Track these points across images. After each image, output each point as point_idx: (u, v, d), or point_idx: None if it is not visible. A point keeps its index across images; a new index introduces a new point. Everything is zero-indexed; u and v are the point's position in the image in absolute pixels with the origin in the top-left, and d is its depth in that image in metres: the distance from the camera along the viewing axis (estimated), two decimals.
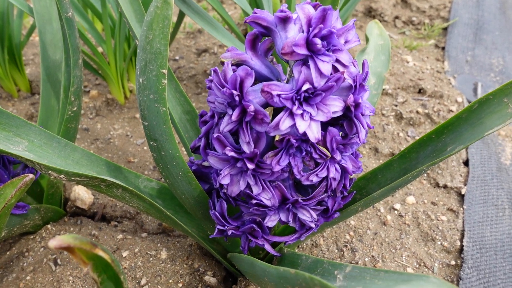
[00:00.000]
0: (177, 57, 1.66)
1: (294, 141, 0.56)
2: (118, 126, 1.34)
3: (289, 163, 0.59)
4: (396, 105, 1.32)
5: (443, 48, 1.85)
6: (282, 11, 0.60)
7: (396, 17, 2.03)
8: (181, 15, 1.33)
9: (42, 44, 1.10)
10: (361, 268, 0.52)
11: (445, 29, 1.97)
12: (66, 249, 0.38)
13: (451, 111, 1.34)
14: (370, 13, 2.06)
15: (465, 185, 1.12)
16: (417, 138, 1.24)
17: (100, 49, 1.68)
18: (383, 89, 1.39)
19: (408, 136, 1.24)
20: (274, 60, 0.78)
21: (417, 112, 1.31)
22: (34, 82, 1.60)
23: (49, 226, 1.00)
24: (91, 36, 1.60)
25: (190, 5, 1.00)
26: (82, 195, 1.07)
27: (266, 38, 0.68)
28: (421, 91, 1.41)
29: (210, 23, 1.05)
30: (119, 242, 0.96)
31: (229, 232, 0.68)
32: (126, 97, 1.45)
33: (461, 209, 1.06)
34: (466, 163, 1.20)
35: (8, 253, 0.98)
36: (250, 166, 0.59)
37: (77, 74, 0.90)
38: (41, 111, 1.08)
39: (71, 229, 1.00)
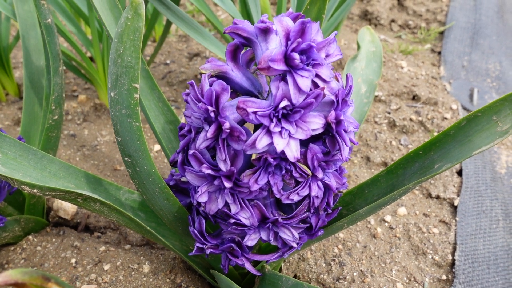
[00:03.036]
0: (168, 61, 1.63)
1: (272, 160, 0.53)
2: (105, 132, 1.32)
3: (268, 181, 0.56)
4: (389, 112, 1.30)
5: (439, 53, 1.82)
6: (262, 21, 0.57)
7: (392, 21, 2.00)
8: None
9: (26, 49, 1.07)
10: None
11: (442, 33, 1.95)
12: (15, 285, 0.36)
13: (446, 118, 1.31)
14: (366, 17, 2.03)
15: (458, 195, 1.10)
16: (410, 146, 1.21)
17: (88, 54, 1.65)
18: (376, 96, 1.36)
19: (401, 144, 1.22)
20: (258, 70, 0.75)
21: (411, 119, 1.28)
22: (23, 86, 1.57)
23: (30, 237, 0.98)
24: (79, 40, 1.58)
25: (174, 11, 0.97)
26: (65, 204, 1.04)
27: (248, 48, 0.65)
28: (415, 98, 1.38)
29: (195, 29, 1.02)
30: (101, 255, 0.93)
31: (208, 251, 0.65)
32: None
33: (454, 221, 1.03)
34: (459, 173, 1.18)
35: None
36: (227, 184, 0.56)
37: (57, 82, 0.88)
38: (24, 118, 1.06)
39: (53, 240, 0.98)
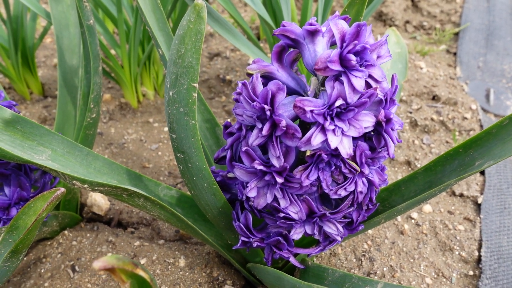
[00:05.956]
0: None
1: (326, 156, 0.56)
2: (131, 131, 1.34)
3: (318, 177, 0.59)
4: (410, 112, 1.32)
5: (454, 54, 1.84)
6: (311, 24, 0.60)
7: (407, 22, 2.02)
8: None
9: (60, 49, 1.10)
10: (394, 285, 0.51)
11: (456, 34, 1.97)
12: (109, 270, 0.38)
13: (466, 118, 1.33)
14: (381, 17, 2.05)
15: (481, 194, 1.12)
16: (432, 146, 1.23)
17: (112, 52, 1.67)
18: None
19: (424, 143, 1.24)
20: (297, 70, 0.77)
21: (432, 119, 1.31)
22: (46, 84, 1.60)
23: (66, 232, 1.01)
24: (104, 39, 1.60)
25: (207, 10, 0.99)
26: (98, 200, 1.07)
27: (292, 49, 0.67)
28: (435, 98, 1.40)
29: (224, 27, 1.04)
30: (136, 249, 0.96)
31: (254, 244, 0.68)
32: (139, 101, 1.45)
33: (478, 218, 1.06)
34: (482, 172, 1.20)
35: (25, 258, 0.98)
36: (279, 180, 0.58)
37: (97, 81, 0.90)
38: (58, 116, 1.09)
39: (88, 235, 1.00)
